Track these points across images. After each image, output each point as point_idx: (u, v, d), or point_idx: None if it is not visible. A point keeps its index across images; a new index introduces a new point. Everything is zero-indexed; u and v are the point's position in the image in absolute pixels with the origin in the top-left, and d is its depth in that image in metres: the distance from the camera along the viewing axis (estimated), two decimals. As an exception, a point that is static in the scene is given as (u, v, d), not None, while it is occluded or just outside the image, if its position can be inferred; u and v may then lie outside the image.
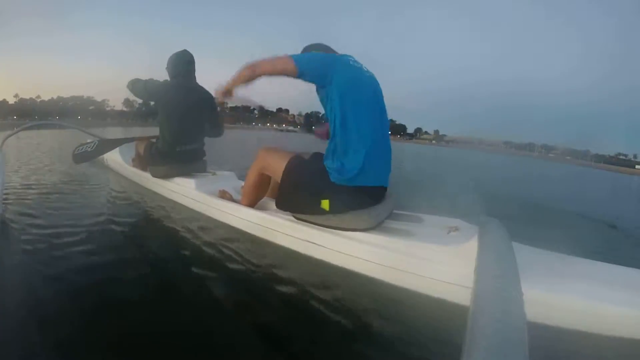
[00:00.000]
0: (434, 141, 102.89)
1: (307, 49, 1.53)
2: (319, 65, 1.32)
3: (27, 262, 1.25)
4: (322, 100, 1.40)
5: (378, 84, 1.44)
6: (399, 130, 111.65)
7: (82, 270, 1.23)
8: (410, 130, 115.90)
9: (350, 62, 1.38)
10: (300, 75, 1.29)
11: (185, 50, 2.24)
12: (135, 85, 2.25)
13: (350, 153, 1.31)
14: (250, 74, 1.34)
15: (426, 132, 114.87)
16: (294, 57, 1.29)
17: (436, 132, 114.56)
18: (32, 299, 1.03)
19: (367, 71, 1.42)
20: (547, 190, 6.11)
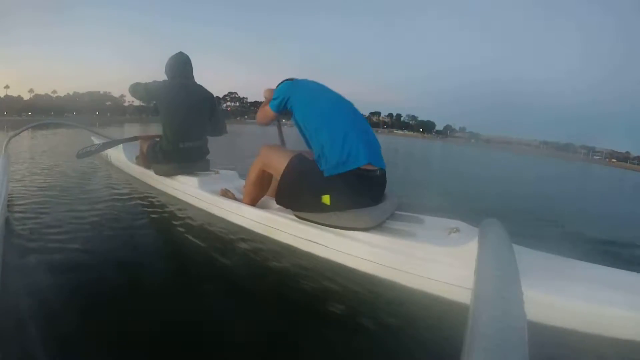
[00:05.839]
0: (472, 140, 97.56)
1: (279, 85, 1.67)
2: (279, 95, 1.59)
3: (31, 261, 1.30)
4: (297, 124, 1.57)
5: (340, 96, 1.62)
6: (428, 127, 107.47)
7: (85, 268, 1.29)
8: (439, 127, 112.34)
9: (306, 80, 1.65)
10: (275, 109, 1.60)
11: (181, 52, 2.37)
12: (136, 89, 2.37)
13: (330, 146, 1.39)
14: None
15: (454, 129, 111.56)
16: (270, 104, 1.62)
17: (462, 128, 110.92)
18: (37, 297, 1.08)
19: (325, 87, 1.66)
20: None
